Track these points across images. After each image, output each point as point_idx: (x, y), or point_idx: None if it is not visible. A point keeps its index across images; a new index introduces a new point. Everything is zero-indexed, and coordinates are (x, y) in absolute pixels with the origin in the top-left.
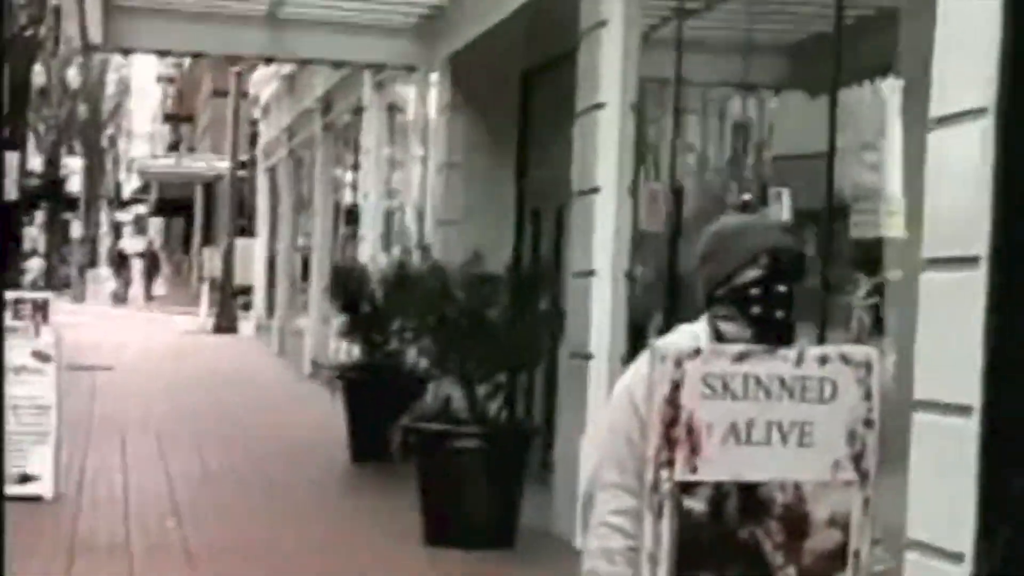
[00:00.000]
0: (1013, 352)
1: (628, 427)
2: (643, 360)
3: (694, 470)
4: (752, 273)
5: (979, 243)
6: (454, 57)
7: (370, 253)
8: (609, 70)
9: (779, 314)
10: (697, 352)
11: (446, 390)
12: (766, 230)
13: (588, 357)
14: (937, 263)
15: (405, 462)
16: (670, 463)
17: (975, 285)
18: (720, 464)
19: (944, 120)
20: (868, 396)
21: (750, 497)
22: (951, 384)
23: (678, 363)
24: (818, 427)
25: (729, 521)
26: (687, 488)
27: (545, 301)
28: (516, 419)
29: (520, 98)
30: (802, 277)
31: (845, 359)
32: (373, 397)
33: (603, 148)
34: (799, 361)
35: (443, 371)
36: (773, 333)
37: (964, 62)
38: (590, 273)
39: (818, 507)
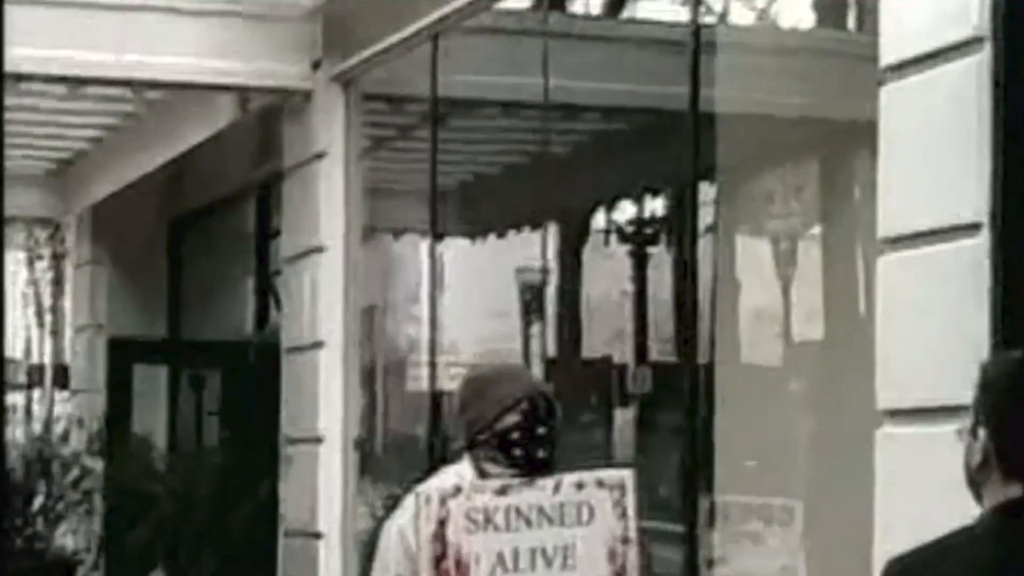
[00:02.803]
0: None
1: (399, 566)
2: (409, 504)
3: None
4: (513, 419)
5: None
6: (94, 208)
7: None
8: (330, 208)
9: (541, 454)
10: (458, 489)
11: None
12: (521, 377)
13: (317, 536)
14: (911, 416)
15: None
16: None
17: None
18: None
19: (905, 240)
20: (624, 515)
21: None
22: None
23: (442, 501)
24: (579, 549)
25: None
26: None
27: (263, 480)
28: None
29: (168, 250)
30: (555, 418)
31: (600, 483)
32: None
33: (326, 297)
34: (556, 489)
35: (144, 558)
36: (535, 472)
37: (935, 166)
38: (316, 440)
39: None
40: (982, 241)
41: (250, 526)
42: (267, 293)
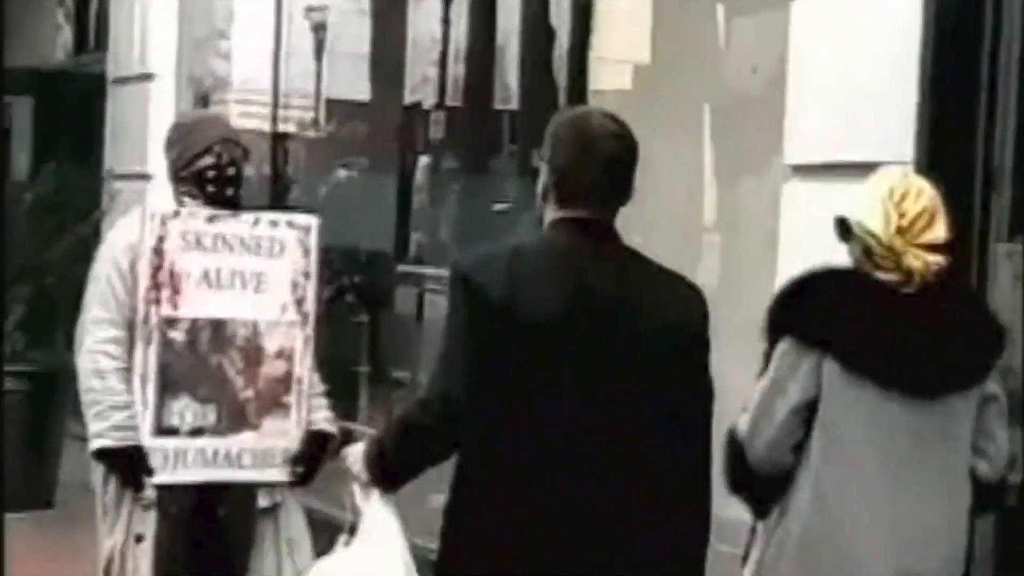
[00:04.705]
0: None
1: (111, 275)
2: (123, 224)
3: (176, 308)
4: (208, 160)
5: (903, 145)
6: None
7: None
8: None
9: (229, 192)
10: (177, 213)
11: None
12: (218, 123)
13: None
14: (822, 171)
15: None
16: (157, 301)
17: None
18: (196, 304)
19: None
20: (307, 253)
21: (218, 332)
22: None
23: (163, 221)
24: (270, 277)
25: (202, 350)
26: (170, 322)
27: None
28: (57, 354)
29: None
30: (245, 160)
31: (290, 223)
32: None
33: (158, 27)
34: (256, 224)
35: None
36: (225, 206)
37: None
38: (144, 177)
39: (270, 341)
40: None
41: (69, 262)
42: (86, 19)
